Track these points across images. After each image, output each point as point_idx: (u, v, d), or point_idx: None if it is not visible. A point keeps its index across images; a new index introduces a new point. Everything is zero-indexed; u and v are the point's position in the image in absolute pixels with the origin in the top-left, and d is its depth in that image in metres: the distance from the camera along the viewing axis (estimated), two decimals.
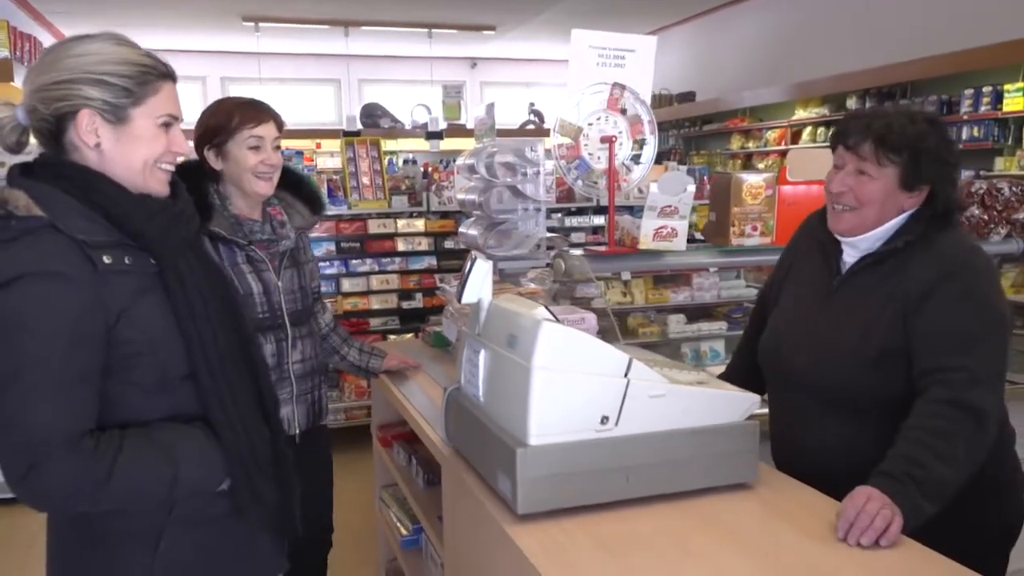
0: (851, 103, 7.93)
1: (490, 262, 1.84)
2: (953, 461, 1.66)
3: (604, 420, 1.61)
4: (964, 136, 6.87)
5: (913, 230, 1.86)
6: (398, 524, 3.01)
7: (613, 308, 4.35)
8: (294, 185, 2.52)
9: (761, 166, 9.29)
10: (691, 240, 4.08)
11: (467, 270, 1.83)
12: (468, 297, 1.81)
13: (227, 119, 2.29)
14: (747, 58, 10.31)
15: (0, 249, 1.35)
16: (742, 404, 1.74)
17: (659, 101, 11.69)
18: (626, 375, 1.61)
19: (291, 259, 2.46)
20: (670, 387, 1.66)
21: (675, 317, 4.40)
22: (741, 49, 10.49)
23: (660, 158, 10.81)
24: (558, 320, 1.64)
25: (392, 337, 5.31)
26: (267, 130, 2.33)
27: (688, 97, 11.28)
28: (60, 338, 1.34)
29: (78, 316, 1.36)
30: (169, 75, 1.52)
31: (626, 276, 4.50)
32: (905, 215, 1.89)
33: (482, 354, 1.79)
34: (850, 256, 1.96)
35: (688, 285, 4.62)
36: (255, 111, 2.34)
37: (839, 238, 1.96)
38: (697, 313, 4.49)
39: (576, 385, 1.58)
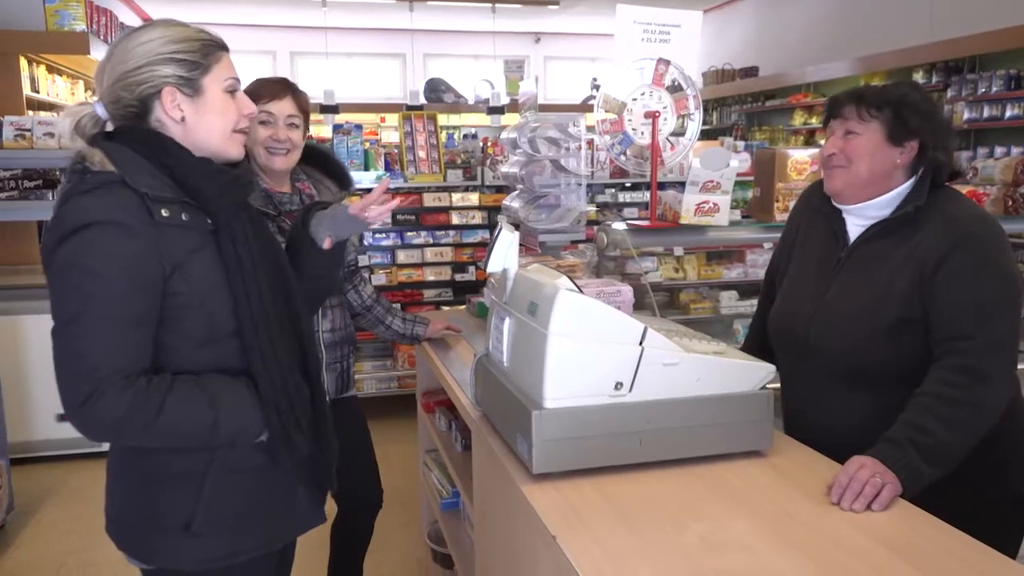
0: (917, 77, 7.74)
1: (516, 232, 1.89)
2: (958, 426, 1.70)
3: (618, 386, 1.67)
4: None
5: (919, 196, 1.89)
6: (439, 487, 3.11)
7: (665, 283, 4.38)
8: (320, 162, 2.62)
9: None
10: (746, 216, 4.07)
11: (493, 240, 1.89)
12: (493, 266, 1.88)
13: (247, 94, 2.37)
14: (811, 32, 10.11)
15: (75, 199, 1.50)
16: (757, 374, 1.78)
17: (721, 76, 11.55)
18: (641, 343, 1.66)
19: None
20: (684, 356, 1.70)
21: (727, 293, 4.40)
22: (805, 23, 10.28)
23: (720, 133, 10.69)
24: (580, 290, 1.69)
25: (444, 308, 5.42)
26: (280, 107, 2.42)
27: (751, 72, 11.11)
28: (121, 282, 1.47)
29: (138, 264, 1.49)
30: (224, 46, 1.67)
31: (678, 252, 4.51)
32: (910, 183, 1.92)
33: (507, 321, 1.86)
34: (855, 226, 1.99)
35: (741, 262, 4.61)
36: (272, 88, 2.43)
37: (840, 207, 2.00)
38: (750, 289, 4.48)
39: (591, 351, 1.64)
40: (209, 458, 1.62)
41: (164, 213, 1.53)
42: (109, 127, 1.63)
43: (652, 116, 3.07)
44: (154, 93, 1.57)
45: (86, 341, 1.45)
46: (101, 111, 1.61)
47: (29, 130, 4.90)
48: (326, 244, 1.88)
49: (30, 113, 6.11)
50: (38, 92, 6.60)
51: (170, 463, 1.61)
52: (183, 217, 1.56)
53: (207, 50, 1.61)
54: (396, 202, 2.00)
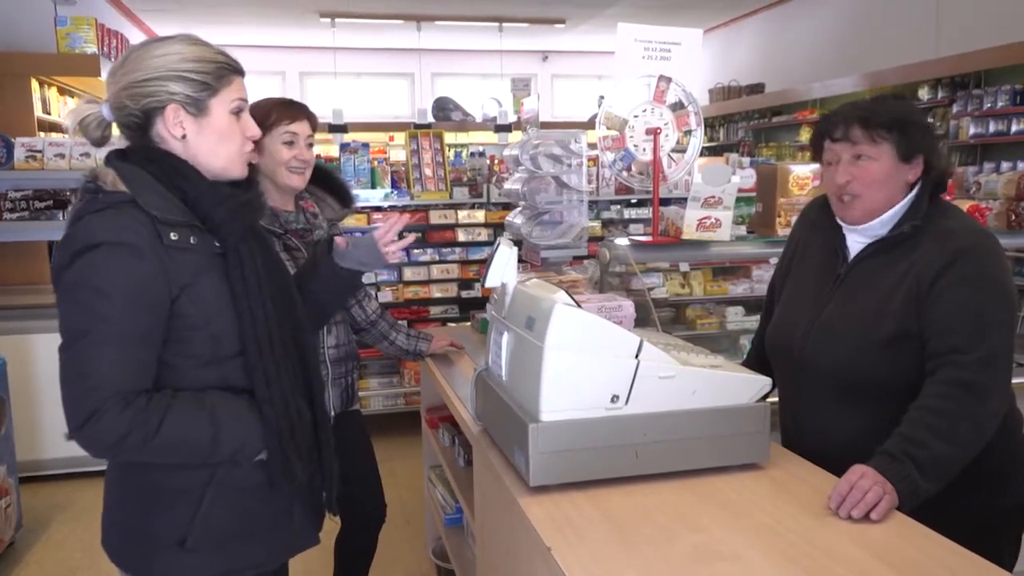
0: (923, 93, 7.75)
1: (514, 248, 1.91)
2: (955, 441, 1.70)
3: (614, 399, 1.68)
4: None
5: (917, 214, 1.89)
6: (443, 503, 3.12)
7: (671, 299, 4.39)
8: (323, 180, 2.67)
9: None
10: (750, 231, 4.07)
11: (491, 255, 1.91)
12: (491, 281, 1.90)
13: (264, 116, 2.40)
14: (817, 49, 10.15)
15: (86, 219, 1.51)
16: (753, 387, 1.79)
17: (728, 93, 11.57)
18: (636, 356, 1.68)
19: None
20: (680, 369, 1.72)
21: (733, 309, 4.40)
22: (811, 40, 10.33)
23: (727, 150, 10.70)
24: (578, 305, 1.71)
25: (451, 324, 5.44)
26: (301, 127, 2.48)
27: (757, 89, 11.13)
28: (128, 302, 1.49)
29: (146, 284, 1.50)
30: (239, 71, 1.67)
31: (684, 267, 4.52)
32: (909, 197, 1.91)
33: (505, 335, 1.87)
34: (855, 242, 1.99)
35: (747, 277, 4.61)
36: (291, 109, 2.49)
37: (843, 225, 1.99)
38: (756, 305, 4.47)
39: (587, 365, 1.66)
40: (208, 476, 1.63)
41: (173, 236, 1.54)
42: (117, 140, 1.64)
43: (653, 133, 3.09)
44: (158, 108, 1.57)
45: (90, 360, 1.47)
46: (107, 113, 1.62)
47: (40, 151, 4.96)
48: (338, 239, 1.87)
49: (41, 134, 6.17)
50: (49, 114, 6.66)
51: (169, 479, 1.62)
52: (191, 240, 1.57)
53: (220, 72, 1.61)
54: (411, 239, 2.11)
